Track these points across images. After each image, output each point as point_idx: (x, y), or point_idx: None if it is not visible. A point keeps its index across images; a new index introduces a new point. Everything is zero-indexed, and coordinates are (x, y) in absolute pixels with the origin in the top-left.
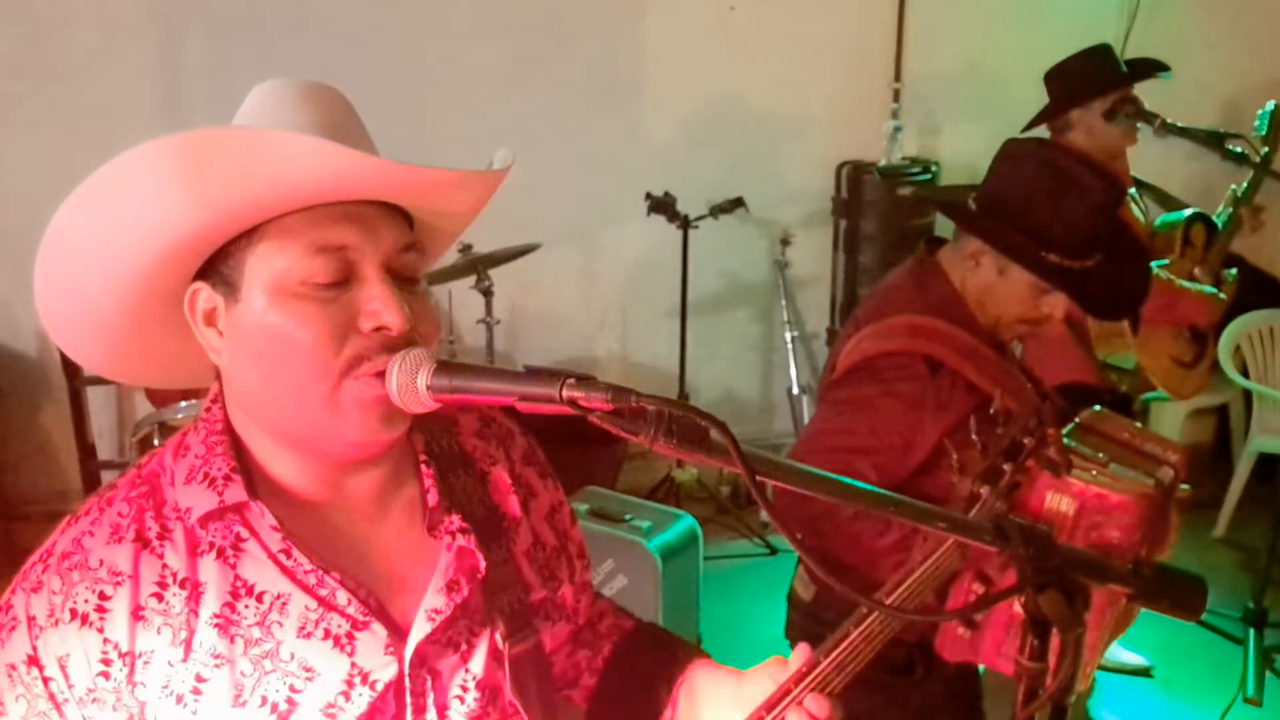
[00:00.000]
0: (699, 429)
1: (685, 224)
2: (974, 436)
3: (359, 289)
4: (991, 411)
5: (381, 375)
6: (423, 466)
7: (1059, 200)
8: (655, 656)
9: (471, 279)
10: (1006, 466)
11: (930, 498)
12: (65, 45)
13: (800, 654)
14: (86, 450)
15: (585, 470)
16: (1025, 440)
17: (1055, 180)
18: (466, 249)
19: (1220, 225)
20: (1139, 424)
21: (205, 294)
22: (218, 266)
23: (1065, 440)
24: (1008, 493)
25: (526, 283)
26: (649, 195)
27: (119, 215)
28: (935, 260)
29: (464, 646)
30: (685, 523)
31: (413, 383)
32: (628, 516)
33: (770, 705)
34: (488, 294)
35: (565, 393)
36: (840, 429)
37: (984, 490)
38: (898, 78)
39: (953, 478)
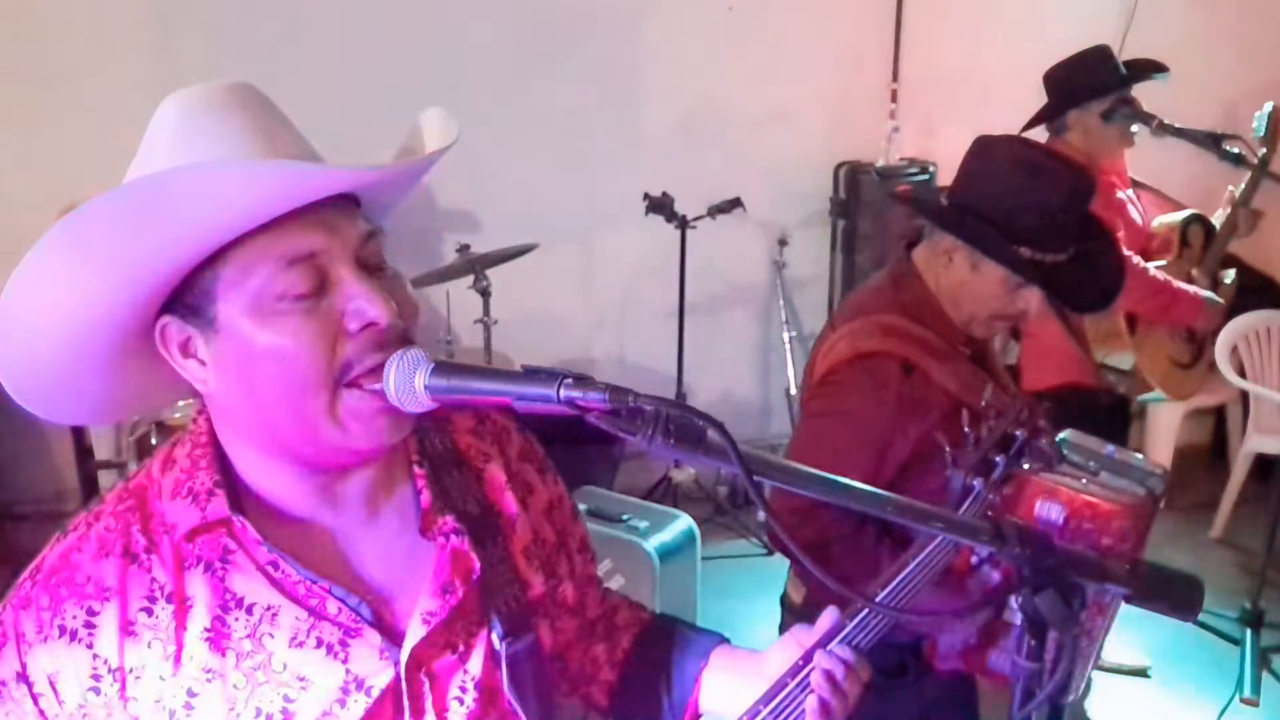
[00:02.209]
0: (696, 429)
1: (683, 224)
2: (965, 430)
3: (336, 291)
4: (983, 404)
5: (378, 377)
6: (415, 468)
7: (1029, 193)
8: (678, 645)
9: (469, 279)
10: (999, 459)
11: None
12: (61, 47)
13: (828, 616)
14: (83, 450)
15: (582, 470)
16: (1016, 433)
17: (1025, 173)
18: (464, 249)
19: (1218, 227)
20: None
21: (175, 326)
22: (183, 298)
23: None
24: (1000, 485)
25: (524, 283)
26: (647, 195)
27: (74, 276)
28: (910, 260)
29: (461, 648)
30: (683, 523)
31: (410, 383)
32: (625, 517)
33: (795, 671)
34: (485, 294)
35: (563, 392)
36: (824, 443)
37: (977, 483)
38: (895, 78)
39: (946, 472)
